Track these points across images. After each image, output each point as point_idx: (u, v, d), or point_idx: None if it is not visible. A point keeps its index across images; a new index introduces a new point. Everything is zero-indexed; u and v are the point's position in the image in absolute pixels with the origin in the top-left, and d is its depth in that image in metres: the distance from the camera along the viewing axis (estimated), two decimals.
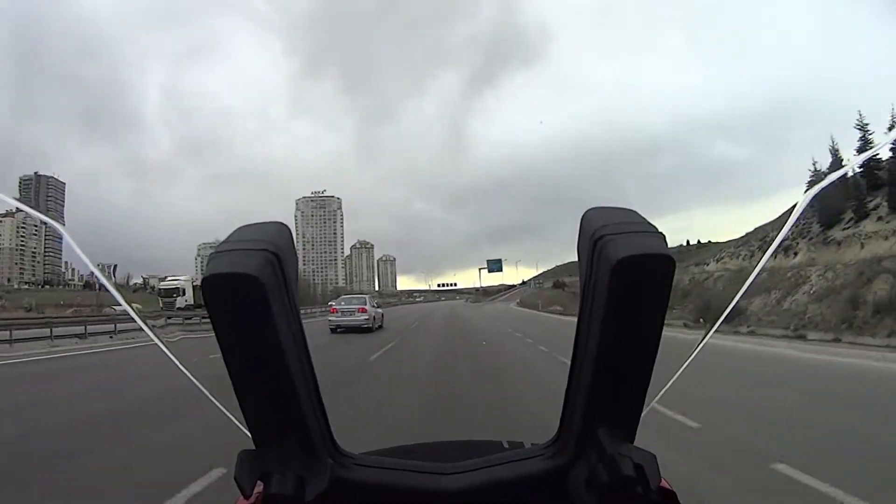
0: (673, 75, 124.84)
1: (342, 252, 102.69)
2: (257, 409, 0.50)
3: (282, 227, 0.50)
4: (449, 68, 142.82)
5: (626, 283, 0.45)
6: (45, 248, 74.99)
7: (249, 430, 0.51)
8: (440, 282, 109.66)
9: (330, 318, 16.65)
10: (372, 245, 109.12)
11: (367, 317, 16.28)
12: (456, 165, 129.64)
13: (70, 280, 75.64)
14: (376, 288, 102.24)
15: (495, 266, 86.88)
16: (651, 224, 0.48)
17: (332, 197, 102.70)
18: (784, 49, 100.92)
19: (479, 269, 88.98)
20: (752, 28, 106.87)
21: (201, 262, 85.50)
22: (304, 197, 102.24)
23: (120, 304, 0.63)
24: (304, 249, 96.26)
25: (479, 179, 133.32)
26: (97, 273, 0.60)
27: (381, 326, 17.37)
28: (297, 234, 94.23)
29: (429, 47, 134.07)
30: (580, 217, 0.51)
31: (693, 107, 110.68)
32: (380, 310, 19.04)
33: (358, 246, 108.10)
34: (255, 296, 0.44)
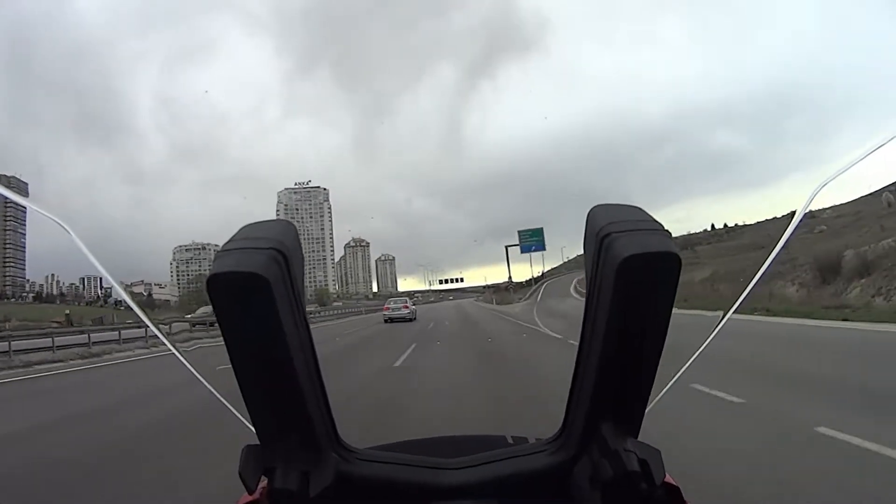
0: (673, 64, 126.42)
1: (332, 250, 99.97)
2: (262, 405, 0.54)
3: (288, 226, 0.54)
4: (445, 61, 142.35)
5: (631, 281, 0.49)
6: (4, 258, 72.63)
7: (254, 426, 0.56)
8: (443, 277, 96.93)
9: (384, 313, 27.08)
10: (368, 243, 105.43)
11: (408, 311, 26.51)
12: (455, 161, 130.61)
13: (26, 293, 73.48)
14: (374, 289, 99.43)
15: (533, 240, 52.72)
16: (657, 222, 0.52)
17: (319, 188, 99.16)
18: (785, 35, 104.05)
19: (507, 248, 58.09)
20: (752, 14, 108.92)
21: (177, 267, 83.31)
22: (286, 188, 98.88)
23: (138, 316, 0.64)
24: None
25: (480, 175, 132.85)
26: (111, 280, 0.64)
27: (414, 318, 26.10)
28: None
29: (424, 40, 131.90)
30: (582, 209, 0.54)
31: (693, 96, 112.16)
32: (415, 307, 29.56)
33: (352, 244, 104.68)
34: (261, 294, 0.47)
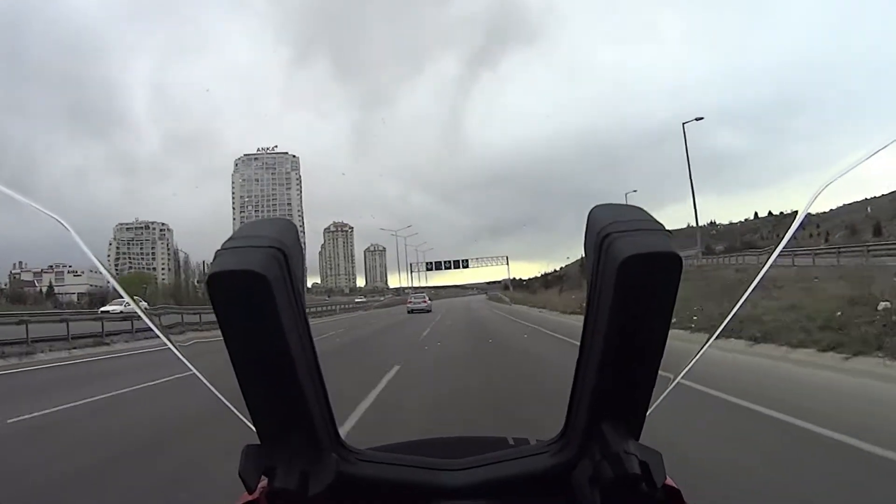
0: (676, 62, 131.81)
1: (301, 231, 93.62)
2: (262, 405, 0.60)
3: (288, 224, 0.59)
4: (445, 51, 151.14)
5: (632, 282, 0.54)
6: None
7: (254, 425, 0.61)
8: (434, 261, 73.30)
9: (407, 306, 36.54)
10: (351, 228, 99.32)
11: (426, 304, 36.05)
12: (453, 156, 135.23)
13: None
14: (362, 284, 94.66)
15: None
16: (658, 222, 0.56)
17: (285, 154, 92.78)
18: (789, 35, 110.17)
19: None
20: (757, 13, 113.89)
21: (117, 247, 77.57)
22: (245, 155, 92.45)
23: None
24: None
25: (479, 171, 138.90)
26: (105, 272, 0.69)
27: (430, 310, 34.25)
28: (234, 209, 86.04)
29: (424, 27, 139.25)
30: (578, 206, 0.36)
31: (695, 94, 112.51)
32: (430, 301, 38.38)
33: (332, 229, 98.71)
34: (261, 293, 0.52)
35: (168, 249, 79.76)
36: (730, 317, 0.75)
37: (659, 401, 0.66)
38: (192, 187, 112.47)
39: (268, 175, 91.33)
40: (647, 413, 0.63)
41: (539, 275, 65.99)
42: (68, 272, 69.09)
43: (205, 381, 0.71)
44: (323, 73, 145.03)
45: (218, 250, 0.54)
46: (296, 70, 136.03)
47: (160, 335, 0.72)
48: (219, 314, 0.53)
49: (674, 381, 0.73)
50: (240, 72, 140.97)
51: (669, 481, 0.64)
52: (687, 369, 0.73)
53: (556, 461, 0.65)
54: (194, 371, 0.71)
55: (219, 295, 0.52)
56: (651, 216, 0.57)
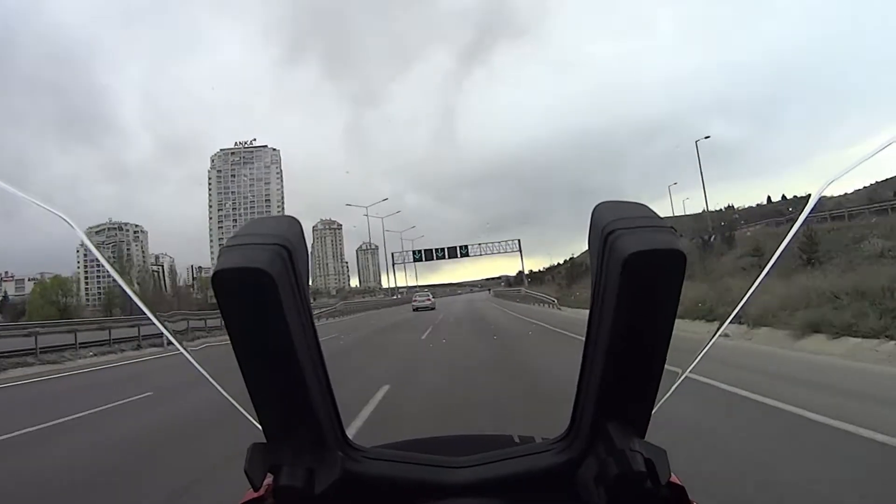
0: (670, 53, 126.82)
1: None
2: (268, 403, 0.61)
3: (293, 221, 0.60)
4: (436, 47, 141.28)
5: (636, 279, 0.54)
6: None
7: (260, 423, 0.63)
8: (424, 248, 59.81)
9: (412, 304, 40.12)
10: (339, 225, 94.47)
11: (430, 303, 39.53)
12: (447, 153, 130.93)
13: None
14: (355, 284, 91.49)
15: None
16: (662, 219, 0.57)
17: (265, 147, 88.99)
18: (784, 24, 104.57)
19: None
20: (752, 3, 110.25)
21: (84, 254, 73.74)
22: (222, 150, 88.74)
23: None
24: (221, 229, 79.73)
25: (473, 168, 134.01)
26: (116, 276, 0.71)
27: (434, 308, 37.85)
28: (211, 207, 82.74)
29: (414, 23, 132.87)
30: (578, 201, 0.39)
31: (690, 86, 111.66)
32: (434, 299, 42.16)
33: (320, 227, 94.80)
34: (266, 290, 0.53)
35: (143, 253, 76.38)
36: (739, 306, 0.73)
37: (664, 398, 0.67)
38: (181, 190, 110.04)
39: (246, 170, 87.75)
40: (654, 410, 0.64)
41: (562, 261, 52.31)
42: (29, 280, 65.28)
43: (213, 382, 0.73)
44: (314, 72, 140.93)
45: (223, 247, 0.55)
46: (285, 69, 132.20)
47: (172, 339, 0.73)
48: (224, 312, 0.54)
49: (681, 375, 0.73)
50: (228, 72, 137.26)
51: (674, 478, 0.65)
52: (694, 363, 0.73)
53: (562, 459, 0.66)
54: (204, 373, 0.72)
55: (223, 293, 0.53)
56: (655, 213, 0.57)
